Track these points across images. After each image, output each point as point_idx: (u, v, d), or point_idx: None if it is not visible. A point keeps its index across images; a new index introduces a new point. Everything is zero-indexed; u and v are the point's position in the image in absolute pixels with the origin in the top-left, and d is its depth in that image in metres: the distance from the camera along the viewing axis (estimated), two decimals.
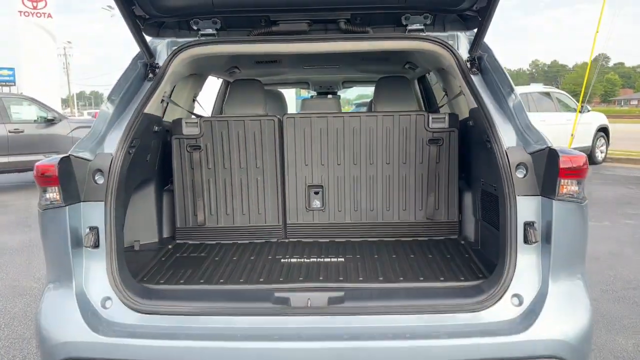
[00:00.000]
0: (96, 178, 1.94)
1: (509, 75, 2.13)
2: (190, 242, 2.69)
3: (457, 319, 1.69)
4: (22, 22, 29.93)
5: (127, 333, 1.74)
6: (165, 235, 2.71)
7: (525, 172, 1.79)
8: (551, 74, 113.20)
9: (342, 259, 2.34)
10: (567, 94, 12.33)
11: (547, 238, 1.74)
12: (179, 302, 1.87)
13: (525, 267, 1.75)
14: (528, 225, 1.76)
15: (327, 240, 2.67)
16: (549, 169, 1.73)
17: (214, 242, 2.67)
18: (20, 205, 8.22)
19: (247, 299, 1.92)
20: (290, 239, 2.72)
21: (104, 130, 2.05)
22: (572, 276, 1.76)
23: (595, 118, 11.81)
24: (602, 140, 11.87)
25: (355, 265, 2.25)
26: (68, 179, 1.87)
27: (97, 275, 1.87)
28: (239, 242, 2.67)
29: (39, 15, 29.95)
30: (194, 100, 3.42)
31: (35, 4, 30.15)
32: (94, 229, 1.90)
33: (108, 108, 2.13)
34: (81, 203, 1.93)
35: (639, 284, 4.11)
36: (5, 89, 30.41)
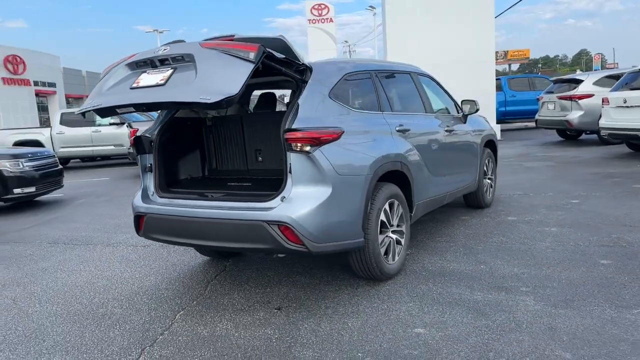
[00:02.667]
0: (151, 143, 3.98)
1: None
2: (210, 176, 4.77)
3: (258, 204, 3.36)
4: (310, 28, 35.94)
5: (157, 203, 3.84)
6: (206, 174, 4.72)
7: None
8: None
9: (251, 183, 4.24)
10: None
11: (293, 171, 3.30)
12: (176, 194, 3.88)
13: (289, 185, 3.29)
14: (291, 165, 3.29)
15: (262, 177, 4.48)
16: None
17: (218, 177, 4.74)
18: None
19: (201, 194, 3.80)
20: (250, 176, 4.59)
21: (156, 124, 4.08)
22: (307, 189, 3.29)
23: None
24: None
25: (255, 185, 4.11)
26: (140, 144, 3.99)
27: (150, 183, 3.96)
28: (229, 177, 4.66)
29: (322, 21, 35.76)
30: None
31: (320, 12, 36.11)
32: (151, 164, 3.98)
33: (160, 115, 4.17)
34: (146, 154, 4.00)
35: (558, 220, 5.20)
36: None
